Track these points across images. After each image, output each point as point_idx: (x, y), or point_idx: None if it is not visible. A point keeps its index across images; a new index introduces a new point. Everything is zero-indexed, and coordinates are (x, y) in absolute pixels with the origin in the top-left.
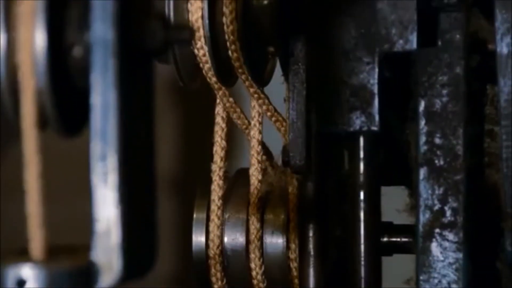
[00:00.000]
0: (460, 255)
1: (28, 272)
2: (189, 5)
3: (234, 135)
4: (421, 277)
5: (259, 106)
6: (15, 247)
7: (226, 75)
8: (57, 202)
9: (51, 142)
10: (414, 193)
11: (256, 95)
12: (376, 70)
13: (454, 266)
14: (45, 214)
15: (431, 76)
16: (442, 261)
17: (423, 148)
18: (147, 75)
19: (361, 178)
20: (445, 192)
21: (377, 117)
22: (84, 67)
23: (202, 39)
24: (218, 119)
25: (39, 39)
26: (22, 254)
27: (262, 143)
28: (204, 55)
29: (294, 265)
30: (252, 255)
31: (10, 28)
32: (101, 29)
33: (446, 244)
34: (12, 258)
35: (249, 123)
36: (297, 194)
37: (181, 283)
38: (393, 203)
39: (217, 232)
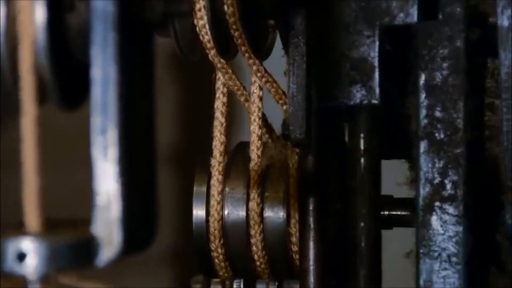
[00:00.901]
0: (460, 228)
1: (28, 245)
2: None
3: (233, 107)
4: (421, 250)
5: (258, 77)
6: (16, 221)
7: (223, 40)
8: (57, 175)
9: (52, 115)
10: (414, 167)
11: (251, 61)
12: (377, 43)
13: (454, 239)
14: (42, 186)
15: (431, 49)
16: (442, 234)
17: (424, 121)
18: (147, 48)
19: (361, 152)
20: (445, 165)
21: (377, 91)
22: (84, 40)
23: None
24: (218, 114)
25: (39, 7)
26: (21, 227)
27: (262, 116)
28: (199, 10)
29: (294, 238)
30: (252, 229)
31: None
32: (101, 2)
33: (446, 217)
34: (11, 231)
35: (245, 90)
36: (297, 168)
37: (181, 257)
38: (393, 176)
39: (217, 207)
